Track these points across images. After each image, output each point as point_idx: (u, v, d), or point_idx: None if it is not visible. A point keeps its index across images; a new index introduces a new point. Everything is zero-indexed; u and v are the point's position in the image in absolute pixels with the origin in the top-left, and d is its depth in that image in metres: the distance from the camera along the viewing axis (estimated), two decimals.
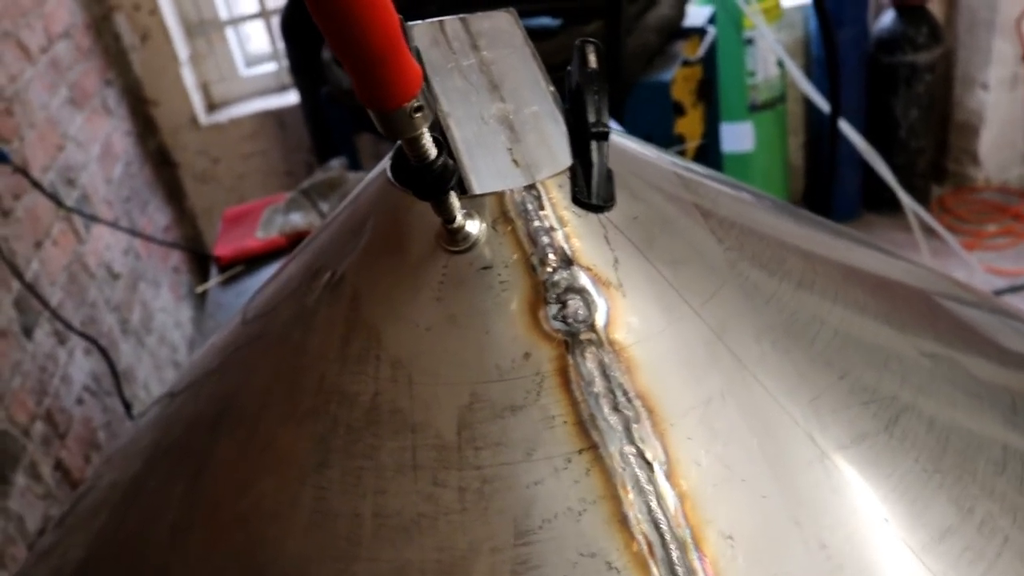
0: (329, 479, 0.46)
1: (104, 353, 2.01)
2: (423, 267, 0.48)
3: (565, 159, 0.49)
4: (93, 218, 2.30)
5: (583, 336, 0.43)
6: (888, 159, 2.73)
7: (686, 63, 2.25)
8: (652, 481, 0.41)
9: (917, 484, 0.45)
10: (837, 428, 0.45)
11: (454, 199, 0.44)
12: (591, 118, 0.49)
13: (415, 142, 0.41)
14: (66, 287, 2.10)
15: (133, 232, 2.59)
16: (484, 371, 0.44)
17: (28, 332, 1.84)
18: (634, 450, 0.41)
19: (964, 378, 0.53)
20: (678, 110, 2.28)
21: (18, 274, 1.80)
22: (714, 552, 0.40)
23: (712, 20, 2.56)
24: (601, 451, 0.41)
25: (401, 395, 0.45)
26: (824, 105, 2.57)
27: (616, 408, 0.42)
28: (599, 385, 0.42)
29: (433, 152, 0.42)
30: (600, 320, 0.44)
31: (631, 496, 0.40)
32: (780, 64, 3.12)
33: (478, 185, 0.48)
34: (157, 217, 2.99)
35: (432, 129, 0.44)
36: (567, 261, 0.45)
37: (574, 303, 0.44)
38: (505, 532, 0.41)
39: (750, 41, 3.13)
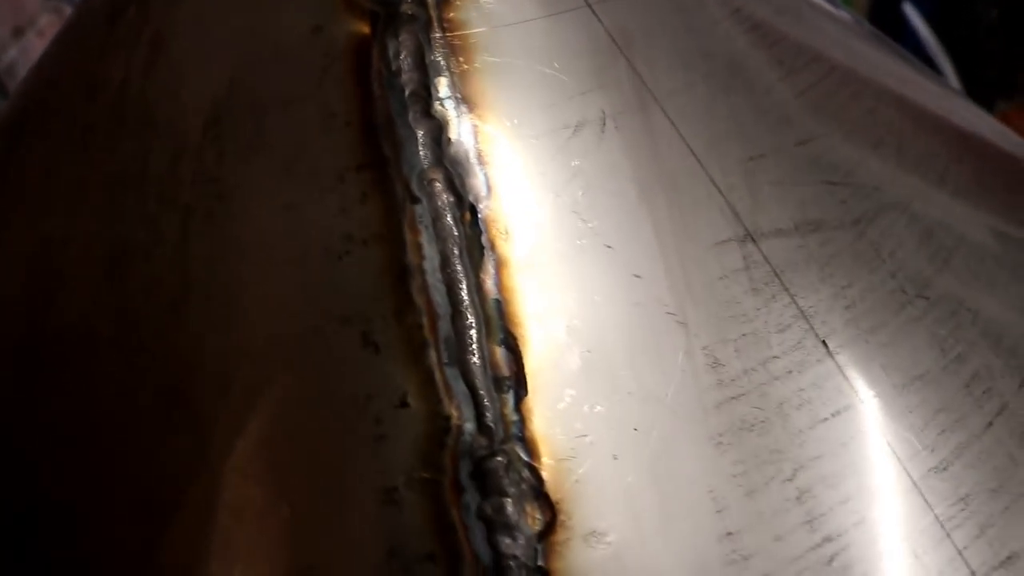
0: (49, 191, 0.33)
1: None
2: None
3: None
4: None
5: (405, 8, 0.28)
6: (954, 60, 2.47)
7: None
8: (459, 223, 0.26)
9: (884, 307, 0.30)
10: (776, 206, 0.30)
11: None
12: None
13: None
14: None
15: None
16: (257, 49, 0.29)
17: None
18: (441, 175, 0.26)
19: None
20: None
21: None
22: (537, 339, 0.26)
23: None
24: (391, 170, 0.27)
25: (152, 82, 0.31)
26: None
27: (428, 112, 0.27)
28: (409, 76, 0.27)
29: None
30: None
31: (422, 240, 0.26)
32: None
33: None
34: None
35: None
36: None
37: None
38: (229, 268, 0.27)
39: None
